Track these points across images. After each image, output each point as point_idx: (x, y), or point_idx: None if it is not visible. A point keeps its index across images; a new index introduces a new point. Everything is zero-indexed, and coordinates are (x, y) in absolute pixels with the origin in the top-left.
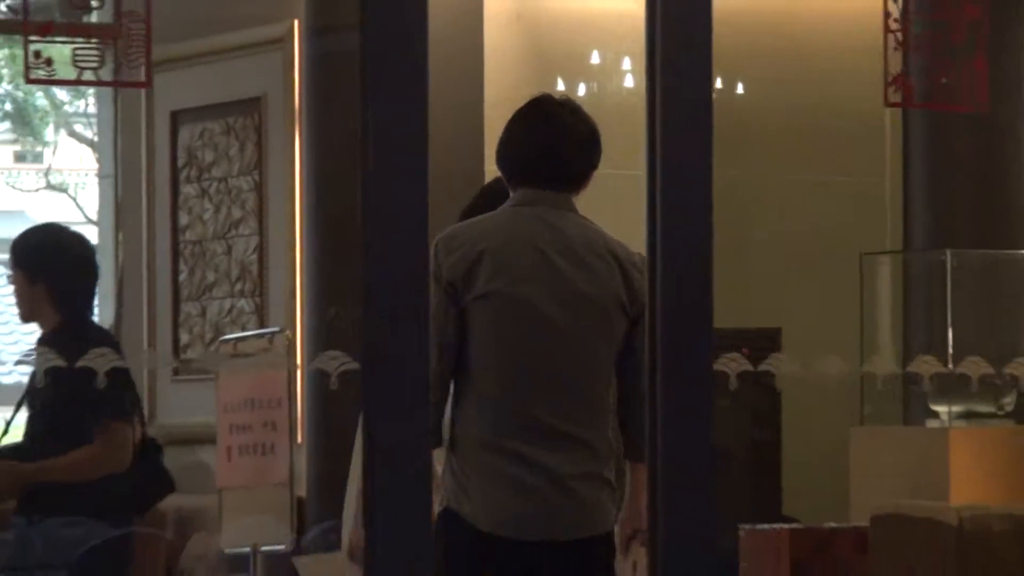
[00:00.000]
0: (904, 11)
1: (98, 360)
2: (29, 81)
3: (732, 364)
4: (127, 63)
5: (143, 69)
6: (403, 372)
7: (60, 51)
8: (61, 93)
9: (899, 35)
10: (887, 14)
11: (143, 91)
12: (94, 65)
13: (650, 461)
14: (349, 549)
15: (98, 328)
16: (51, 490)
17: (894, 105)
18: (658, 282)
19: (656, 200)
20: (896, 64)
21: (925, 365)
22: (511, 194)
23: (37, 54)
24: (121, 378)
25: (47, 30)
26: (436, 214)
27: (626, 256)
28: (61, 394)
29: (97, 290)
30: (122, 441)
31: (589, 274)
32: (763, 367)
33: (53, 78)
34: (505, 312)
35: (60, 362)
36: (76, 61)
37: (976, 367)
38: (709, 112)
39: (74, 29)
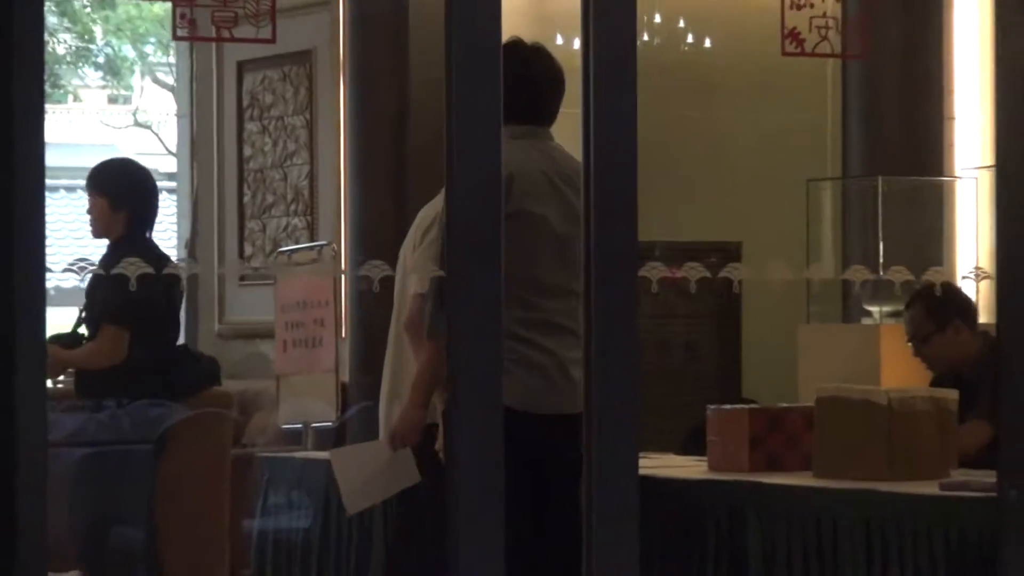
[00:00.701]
0: None
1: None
2: (175, 38)
3: (692, 272)
4: (257, 24)
5: (269, 28)
6: (480, 280)
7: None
8: (147, 46)
9: None
10: None
11: (214, 44)
12: (229, 25)
13: (584, 346)
14: (393, 437)
15: (154, 245)
16: (99, 377)
17: (790, 55)
18: (591, 200)
19: (590, 133)
20: (792, 20)
21: (860, 273)
22: None
23: (183, 15)
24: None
25: None
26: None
27: None
28: (89, 296)
29: (172, 210)
30: (111, 341)
31: (579, 192)
32: (724, 274)
33: (195, 35)
34: (528, 228)
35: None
36: (215, 21)
37: (901, 274)
38: (634, 62)
39: None
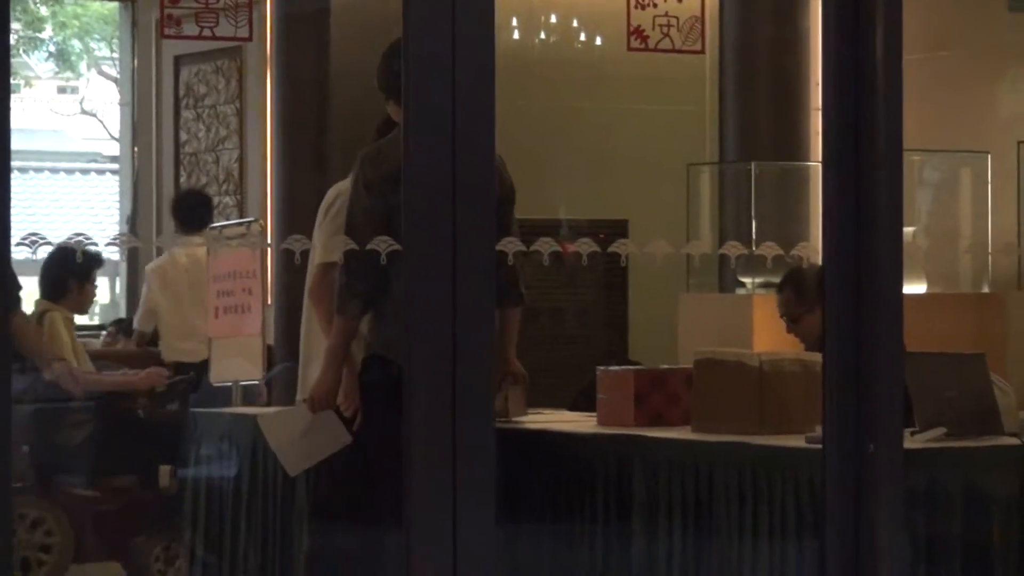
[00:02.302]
0: None
1: None
2: (164, 37)
3: (585, 246)
4: (235, 23)
5: (247, 27)
6: (436, 255)
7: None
8: (92, 41)
9: None
10: None
11: (154, 40)
12: (212, 25)
13: (452, 315)
14: (311, 401)
15: None
16: None
17: (635, 50)
18: (456, 187)
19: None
20: (637, 19)
21: (734, 248)
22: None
23: (169, 16)
24: None
25: (177, 0)
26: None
27: None
28: None
29: (115, 190)
30: None
31: None
32: (612, 249)
33: (180, 35)
34: None
35: None
36: (198, 21)
37: (771, 249)
38: (492, 72)
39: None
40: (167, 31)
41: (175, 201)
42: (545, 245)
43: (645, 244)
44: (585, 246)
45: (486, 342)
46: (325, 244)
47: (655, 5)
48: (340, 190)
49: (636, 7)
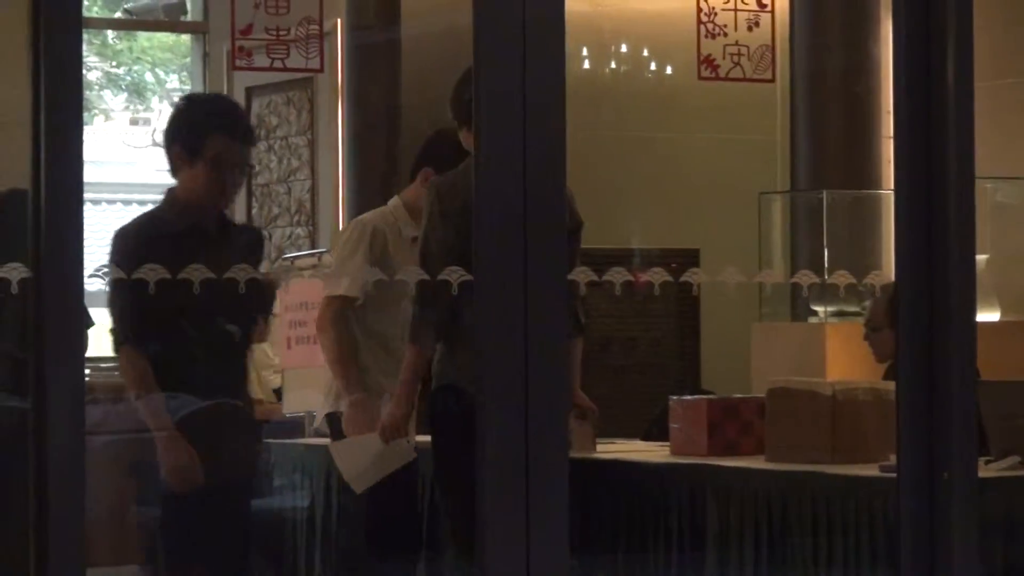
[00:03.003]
0: (711, 7)
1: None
2: (235, 68)
3: (656, 276)
4: (306, 55)
5: (317, 59)
6: (508, 285)
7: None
8: (163, 73)
9: (708, 26)
10: (700, 9)
11: (225, 71)
12: (283, 56)
13: (523, 341)
14: (384, 431)
15: None
16: None
17: (706, 79)
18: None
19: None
20: (707, 48)
21: (806, 277)
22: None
23: (241, 48)
24: None
25: (248, 31)
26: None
27: None
28: None
29: None
30: None
31: None
32: (684, 278)
33: (251, 66)
34: None
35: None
36: (269, 53)
37: (844, 278)
38: (563, 102)
39: (268, 31)
40: (238, 63)
41: None
42: (617, 275)
43: (717, 273)
44: (657, 275)
45: (558, 372)
46: (330, 276)
47: (725, 34)
48: (354, 223)
49: (706, 36)
